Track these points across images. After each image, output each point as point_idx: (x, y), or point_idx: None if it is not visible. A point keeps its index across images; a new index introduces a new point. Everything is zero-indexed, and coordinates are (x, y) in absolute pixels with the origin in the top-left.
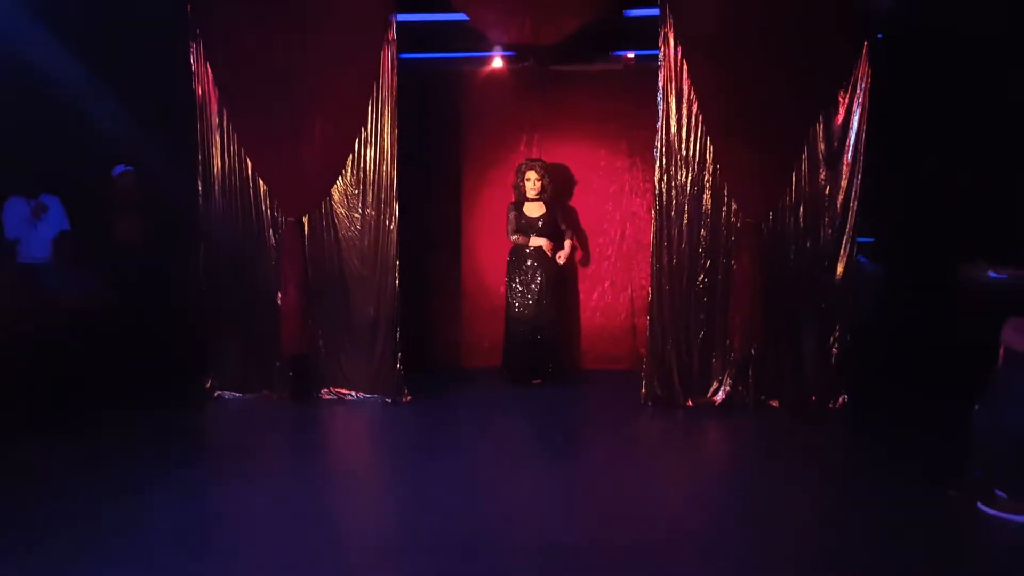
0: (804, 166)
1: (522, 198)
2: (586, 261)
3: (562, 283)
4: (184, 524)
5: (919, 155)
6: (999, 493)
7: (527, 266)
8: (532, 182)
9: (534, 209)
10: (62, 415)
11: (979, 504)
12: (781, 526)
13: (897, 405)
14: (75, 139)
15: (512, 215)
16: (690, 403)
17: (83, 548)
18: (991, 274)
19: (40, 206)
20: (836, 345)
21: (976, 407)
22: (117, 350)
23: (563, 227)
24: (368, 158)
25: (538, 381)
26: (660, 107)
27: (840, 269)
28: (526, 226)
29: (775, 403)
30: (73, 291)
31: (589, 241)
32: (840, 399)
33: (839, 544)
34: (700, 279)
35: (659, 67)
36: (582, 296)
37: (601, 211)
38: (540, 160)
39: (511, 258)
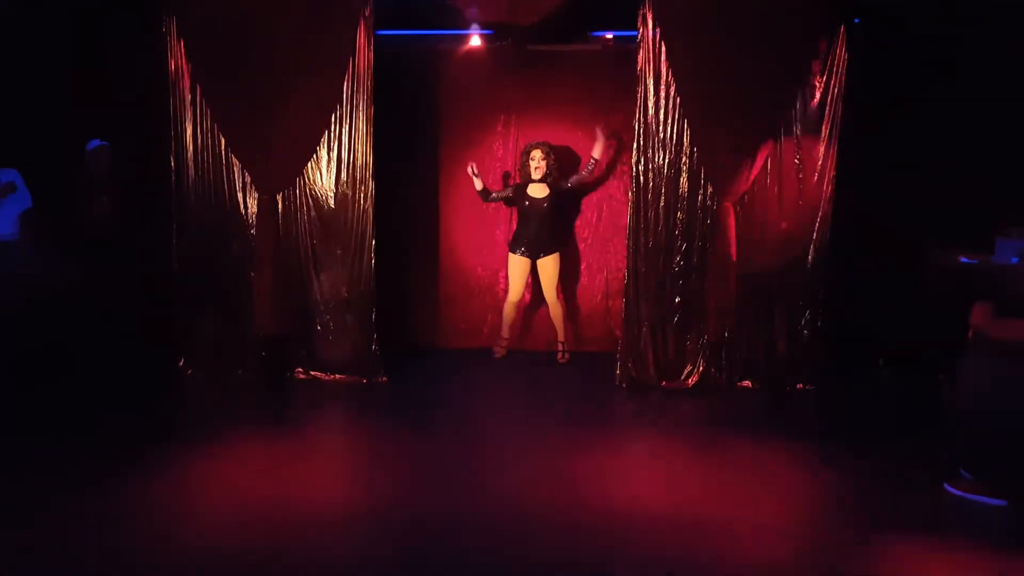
0: (780, 149)
1: (527, 180)
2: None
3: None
4: (154, 505)
5: (893, 140)
6: (965, 474)
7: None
8: (536, 161)
9: (539, 191)
10: (30, 393)
11: (945, 485)
12: (750, 506)
13: (867, 386)
14: (41, 112)
15: (506, 191)
16: (664, 385)
17: (50, 532)
18: (962, 259)
19: (9, 185)
20: (808, 326)
21: (944, 389)
22: (88, 328)
23: (571, 178)
24: (343, 135)
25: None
26: (638, 89)
27: (813, 252)
28: (530, 208)
29: (747, 384)
30: (42, 269)
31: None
32: (812, 381)
33: (805, 523)
34: (676, 261)
35: (637, 48)
36: (558, 277)
37: (578, 193)
38: (545, 142)
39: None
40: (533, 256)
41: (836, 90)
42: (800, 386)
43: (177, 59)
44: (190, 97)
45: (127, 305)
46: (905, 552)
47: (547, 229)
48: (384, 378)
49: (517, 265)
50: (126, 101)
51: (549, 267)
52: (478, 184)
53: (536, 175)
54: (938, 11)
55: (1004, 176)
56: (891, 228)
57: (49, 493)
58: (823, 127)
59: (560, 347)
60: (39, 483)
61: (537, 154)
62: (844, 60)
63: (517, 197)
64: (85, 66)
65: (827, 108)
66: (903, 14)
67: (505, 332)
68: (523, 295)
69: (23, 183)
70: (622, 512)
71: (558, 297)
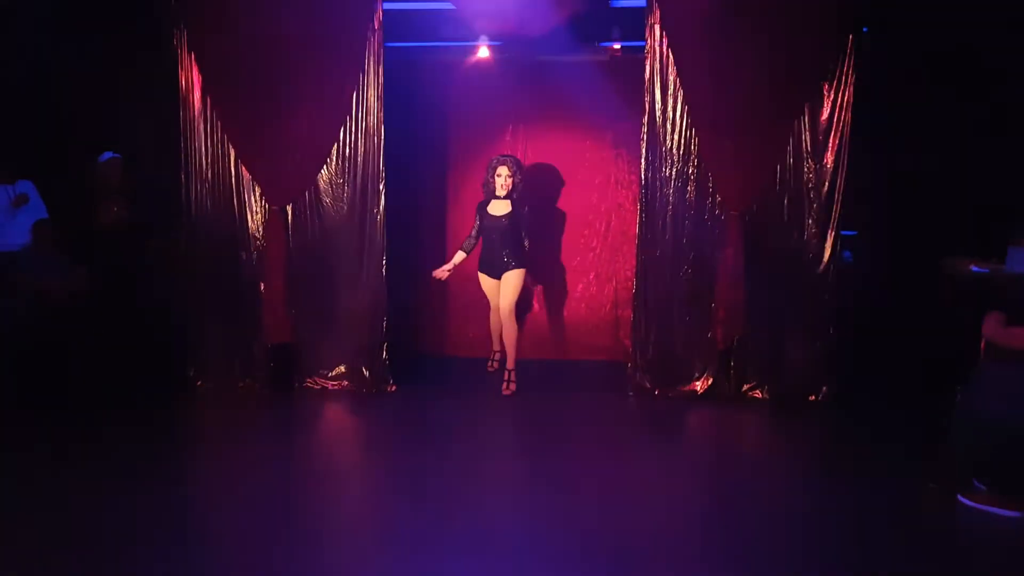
0: (789, 159)
1: (490, 196)
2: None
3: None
4: (167, 515)
5: (903, 149)
6: (978, 485)
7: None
8: (503, 178)
9: (499, 207)
10: (40, 403)
11: (959, 496)
12: (761, 518)
13: (879, 398)
14: (54, 124)
15: (477, 221)
16: (673, 394)
17: (58, 540)
18: (973, 268)
19: (22, 197)
20: (818, 337)
21: (957, 399)
22: (98, 338)
23: (523, 235)
24: (354, 147)
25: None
26: (645, 98)
27: (823, 262)
28: (489, 226)
29: (757, 394)
30: (53, 278)
31: (575, 233)
32: (822, 391)
33: (818, 536)
34: (684, 271)
35: (645, 58)
36: (567, 287)
37: (587, 203)
38: (513, 156)
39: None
40: (496, 276)
41: (845, 99)
42: (812, 397)
43: (188, 71)
44: (200, 109)
45: (136, 315)
46: (918, 564)
47: (507, 246)
48: (393, 387)
49: (486, 282)
50: (137, 113)
51: (508, 282)
52: (457, 258)
53: (501, 192)
54: (946, 19)
55: (1016, 184)
56: (902, 237)
57: (55, 501)
58: (832, 136)
59: (506, 375)
60: (45, 490)
61: (504, 170)
62: (853, 69)
63: (481, 217)
64: (96, 78)
65: (836, 117)
66: (912, 22)
67: (495, 344)
68: None
69: (37, 194)
70: (630, 521)
71: (511, 316)
